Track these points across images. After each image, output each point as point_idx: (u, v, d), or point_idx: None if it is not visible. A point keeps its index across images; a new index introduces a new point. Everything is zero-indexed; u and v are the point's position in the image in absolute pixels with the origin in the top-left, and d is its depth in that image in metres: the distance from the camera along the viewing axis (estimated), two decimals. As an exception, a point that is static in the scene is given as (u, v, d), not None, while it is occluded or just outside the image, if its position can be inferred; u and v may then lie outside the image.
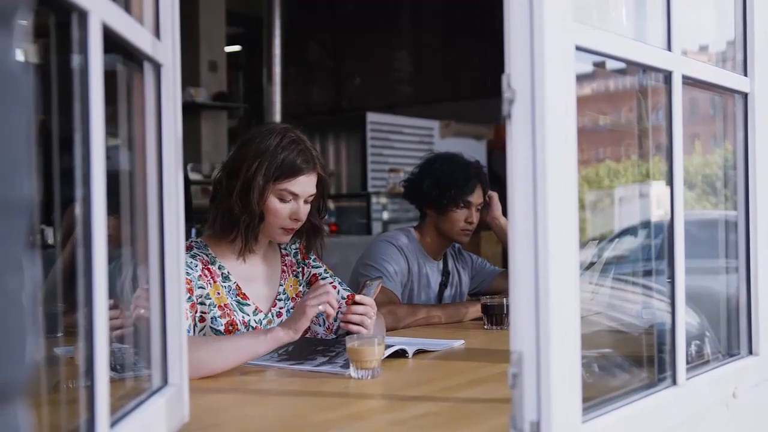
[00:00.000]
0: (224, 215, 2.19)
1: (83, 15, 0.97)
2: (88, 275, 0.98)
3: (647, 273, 1.91)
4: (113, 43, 1.09)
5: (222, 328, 2.15)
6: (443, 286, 3.10)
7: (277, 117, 8.81)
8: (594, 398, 1.30)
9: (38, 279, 0.60)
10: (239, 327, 2.16)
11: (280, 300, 2.33)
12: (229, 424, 1.56)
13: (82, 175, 0.97)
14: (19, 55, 0.58)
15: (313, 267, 2.43)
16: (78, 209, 0.99)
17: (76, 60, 0.99)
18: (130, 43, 1.16)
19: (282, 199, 2.19)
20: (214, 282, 2.18)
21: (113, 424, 1.06)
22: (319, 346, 2.13)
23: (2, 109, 0.55)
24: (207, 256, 2.20)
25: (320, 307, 1.97)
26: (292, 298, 2.35)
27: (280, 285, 2.34)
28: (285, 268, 2.38)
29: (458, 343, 2.33)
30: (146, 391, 1.29)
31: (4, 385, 0.56)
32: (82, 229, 0.97)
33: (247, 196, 2.16)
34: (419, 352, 2.16)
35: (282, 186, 2.18)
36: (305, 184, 2.21)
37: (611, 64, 1.53)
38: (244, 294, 2.23)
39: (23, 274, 0.57)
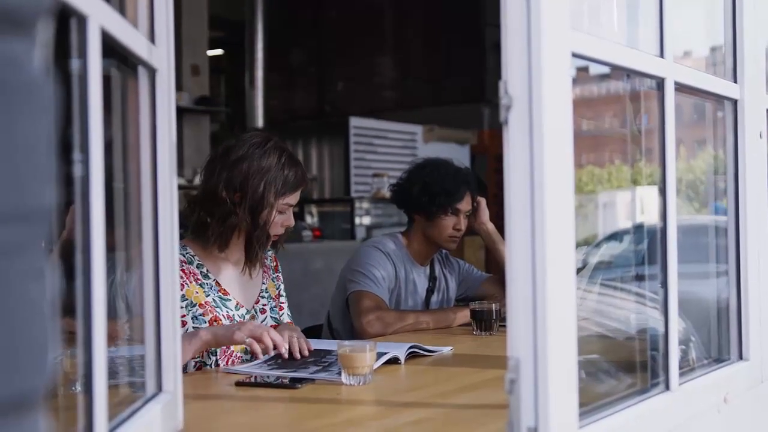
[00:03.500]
0: (231, 230, 2.25)
1: (82, 19, 0.96)
2: (86, 282, 0.97)
3: (635, 278, 1.92)
4: (109, 47, 1.08)
5: (206, 325, 2.20)
6: (430, 291, 3.10)
7: (260, 122, 8.78)
8: (590, 404, 1.31)
9: (57, 286, 0.60)
10: (223, 322, 2.21)
11: (263, 297, 2.40)
12: (223, 431, 1.55)
13: (81, 179, 0.96)
14: (41, 63, 0.57)
15: (281, 281, 2.51)
16: (76, 213, 0.98)
17: (74, 64, 0.98)
18: (127, 48, 1.15)
19: (281, 212, 2.29)
20: (191, 282, 2.21)
21: (110, 431, 1.05)
22: (310, 357, 2.12)
23: (25, 117, 0.55)
24: (184, 255, 2.22)
25: (247, 341, 2.01)
26: (274, 297, 2.43)
27: (263, 283, 2.42)
28: (266, 268, 2.45)
29: (447, 350, 2.33)
30: (141, 399, 1.28)
31: (27, 392, 0.56)
32: (81, 234, 0.96)
33: (257, 214, 2.23)
34: (412, 355, 2.17)
35: (285, 201, 2.28)
36: (299, 195, 2.33)
37: (593, 70, 1.53)
38: (225, 290, 2.28)
39: (45, 281, 0.57)
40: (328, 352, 2.16)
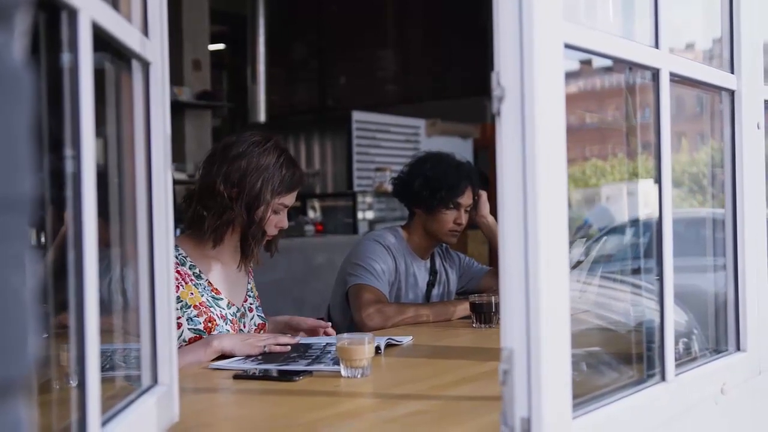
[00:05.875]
0: (226, 225, 2.26)
1: (73, 13, 0.96)
2: (78, 276, 0.97)
3: (635, 271, 1.92)
4: (101, 41, 1.08)
5: (201, 326, 2.22)
6: (431, 285, 3.10)
7: (262, 116, 8.79)
8: (584, 395, 1.31)
9: (39, 276, 0.60)
10: (218, 322, 2.23)
11: (250, 296, 2.44)
12: (219, 423, 1.56)
13: (73, 175, 0.97)
14: (20, 54, 0.58)
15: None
16: (68, 210, 0.98)
17: (65, 58, 0.98)
18: (120, 42, 1.15)
19: (276, 212, 2.30)
20: (186, 283, 2.22)
21: (104, 423, 1.06)
22: (292, 352, 2.12)
23: (4, 108, 0.55)
24: (177, 257, 2.23)
25: (266, 349, 2.12)
26: (257, 296, 2.48)
27: (249, 283, 2.45)
28: (251, 268, 2.48)
29: (407, 339, 2.36)
30: (136, 391, 1.28)
31: (7, 380, 0.56)
32: (73, 230, 0.97)
33: (253, 211, 2.25)
34: (388, 346, 2.22)
35: (280, 200, 2.29)
36: (295, 197, 2.35)
37: (597, 62, 1.53)
38: (217, 289, 2.31)
39: (25, 270, 0.57)
40: (309, 346, 2.19)
